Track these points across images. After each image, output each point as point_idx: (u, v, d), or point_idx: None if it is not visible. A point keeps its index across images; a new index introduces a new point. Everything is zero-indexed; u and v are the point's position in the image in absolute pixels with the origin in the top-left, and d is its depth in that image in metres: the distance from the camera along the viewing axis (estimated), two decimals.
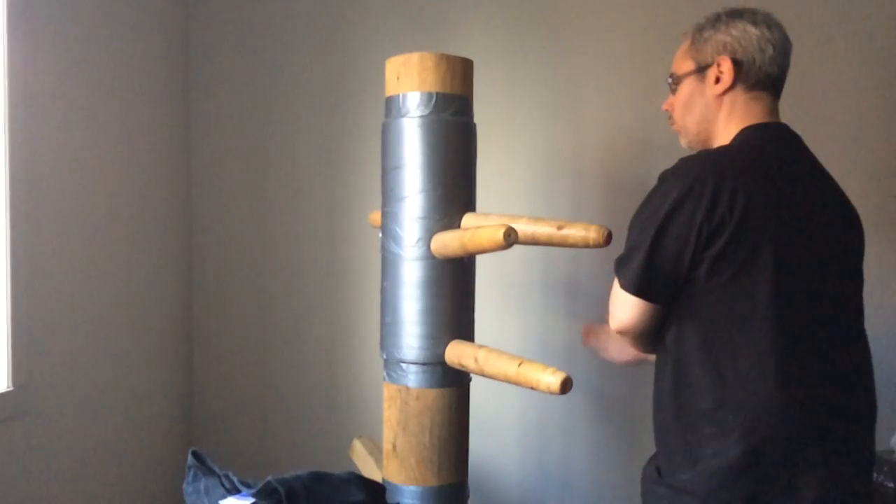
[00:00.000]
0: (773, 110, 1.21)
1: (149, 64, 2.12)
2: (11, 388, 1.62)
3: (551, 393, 1.16)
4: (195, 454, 1.33)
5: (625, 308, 1.16)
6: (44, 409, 1.72)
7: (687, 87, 1.23)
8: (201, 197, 2.31)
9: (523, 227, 1.29)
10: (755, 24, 1.18)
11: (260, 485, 1.20)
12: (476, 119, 1.48)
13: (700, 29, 1.23)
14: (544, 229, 1.27)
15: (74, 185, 1.82)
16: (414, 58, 1.38)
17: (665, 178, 1.13)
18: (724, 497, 1.08)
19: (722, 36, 1.19)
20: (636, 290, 1.13)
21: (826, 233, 1.14)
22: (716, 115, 1.21)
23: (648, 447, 1.97)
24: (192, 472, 1.32)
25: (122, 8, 1.99)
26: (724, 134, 1.20)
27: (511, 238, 1.19)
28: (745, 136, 1.17)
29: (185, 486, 1.32)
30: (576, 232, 1.23)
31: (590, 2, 2.00)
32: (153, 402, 2.15)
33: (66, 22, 1.78)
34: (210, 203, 2.31)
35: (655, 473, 1.21)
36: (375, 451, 1.74)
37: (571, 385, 1.16)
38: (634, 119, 1.98)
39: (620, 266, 1.16)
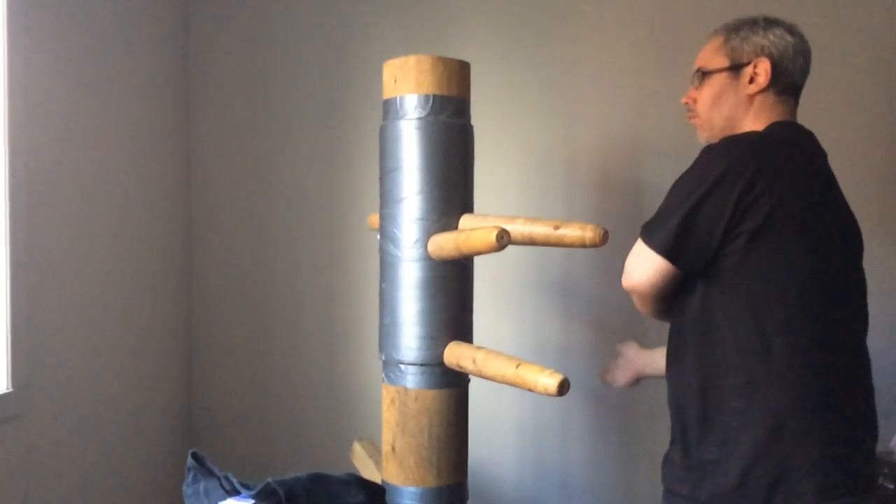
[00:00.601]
0: (794, 114, 1.29)
1: (148, 65, 2.12)
2: (11, 390, 1.62)
3: (548, 395, 1.16)
4: (195, 456, 1.33)
5: (644, 266, 1.20)
6: (43, 410, 1.72)
7: (717, 82, 1.28)
8: (201, 198, 2.32)
9: (520, 228, 1.29)
10: (791, 33, 1.25)
11: (259, 486, 1.21)
12: (472, 120, 1.48)
13: (735, 29, 1.28)
14: (541, 229, 1.28)
15: (74, 185, 1.82)
16: (411, 60, 1.39)
17: (709, 152, 1.19)
18: (759, 473, 1.12)
19: (760, 39, 1.24)
20: (664, 250, 1.17)
21: (843, 223, 1.22)
22: (745, 114, 1.27)
23: (645, 446, 1.99)
24: (191, 474, 1.33)
25: (121, 8, 1.99)
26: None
27: (503, 240, 1.19)
28: (775, 128, 1.24)
29: (184, 487, 1.33)
30: (572, 232, 1.24)
31: (585, 4, 2.00)
32: (153, 403, 2.15)
33: (65, 22, 1.79)
34: (209, 204, 2.31)
35: (679, 457, 1.23)
36: (375, 453, 1.74)
37: (569, 387, 1.16)
38: (628, 120, 1.98)
39: (650, 227, 1.21)
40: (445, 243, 1.34)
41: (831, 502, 1.12)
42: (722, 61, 1.27)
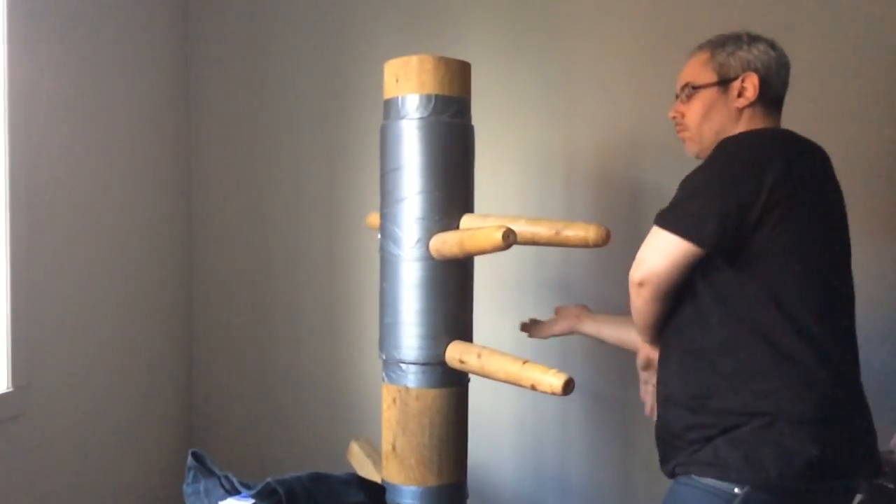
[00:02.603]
0: (779, 125, 1.32)
1: (149, 65, 2.12)
2: (11, 389, 1.62)
3: (554, 394, 1.17)
4: (195, 455, 1.33)
5: (662, 252, 1.19)
6: (44, 409, 1.72)
7: (707, 97, 1.31)
8: (201, 198, 2.32)
9: (522, 228, 1.29)
10: (773, 48, 1.30)
11: (260, 486, 1.21)
12: (472, 120, 1.48)
13: (721, 44, 1.31)
14: (543, 230, 1.28)
15: (74, 185, 1.82)
16: (413, 60, 1.39)
17: (733, 143, 1.22)
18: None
19: (745, 54, 1.29)
20: (685, 231, 1.16)
21: (843, 216, 1.26)
22: (734, 126, 1.30)
23: (643, 446, 1.99)
24: (191, 473, 1.33)
25: (122, 8, 1.99)
26: None
27: (510, 239, 1.20)
28: (778, 130, 1.28)
29: (184, 487, 1.32)
30: (575, 232, 1.24)
31: (585, 4, 2.01)
32: (153, 402, 2.15)
33: (66, 22, 1.79)
34: (210, 204, 2.31)
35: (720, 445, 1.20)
36: (373, 453, 1.74)
37: (574, 387, 1.17)
38: (629, 120, 1.98)
39: (667, 213, 1.21)
40: (449, 242, 1.34)
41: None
42: (710, 76, 1.31)
